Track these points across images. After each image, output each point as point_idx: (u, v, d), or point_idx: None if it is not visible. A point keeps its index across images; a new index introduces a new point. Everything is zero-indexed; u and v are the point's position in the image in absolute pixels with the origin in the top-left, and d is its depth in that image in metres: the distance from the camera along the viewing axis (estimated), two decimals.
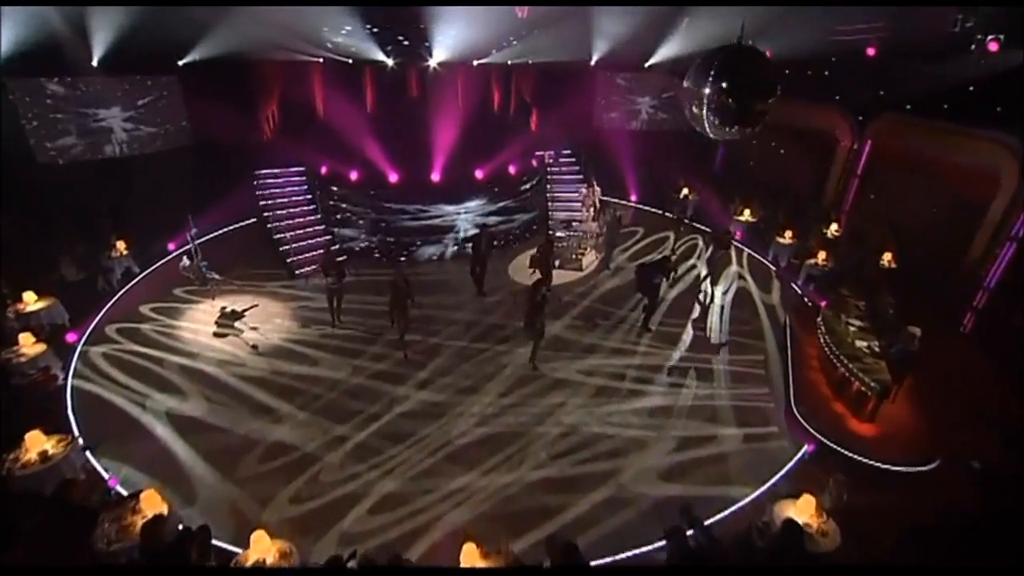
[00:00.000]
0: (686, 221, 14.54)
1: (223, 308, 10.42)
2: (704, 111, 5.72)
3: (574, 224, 14.16)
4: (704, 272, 12.61)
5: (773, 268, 13.20)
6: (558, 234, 14.24)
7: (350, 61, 13.57)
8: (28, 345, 8.24)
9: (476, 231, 11.48)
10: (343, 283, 9.90)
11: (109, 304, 10.68)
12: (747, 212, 14.89)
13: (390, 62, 13.29)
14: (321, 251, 12.49)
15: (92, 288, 10.99)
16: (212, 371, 8.94)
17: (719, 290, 11.53)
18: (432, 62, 12.91)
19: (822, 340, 8.79)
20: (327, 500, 6.67)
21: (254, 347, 9.54)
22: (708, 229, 14.28)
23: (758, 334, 10.46)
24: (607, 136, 17.77)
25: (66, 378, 8.59)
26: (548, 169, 15.78)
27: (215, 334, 9.74)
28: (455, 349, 9.70)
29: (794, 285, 12.29)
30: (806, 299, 11.60)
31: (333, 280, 9.77)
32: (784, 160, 15.80)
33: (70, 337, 9.50)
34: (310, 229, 13.08)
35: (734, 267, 13.09)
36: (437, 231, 13.17)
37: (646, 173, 17.87)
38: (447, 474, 7.08)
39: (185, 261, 11.09)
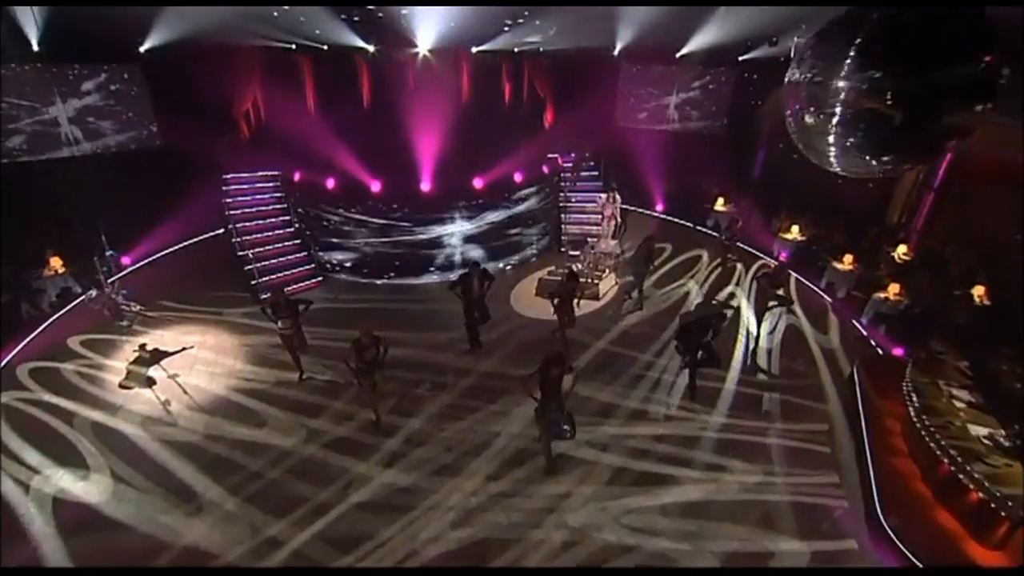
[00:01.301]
0: (727, 243, 12.07)
1: (142, 346, 7.98)
2: (830, 123, 3.35)
3: (589, 241, 12.10)
4: (744, 304, 10.58)
5: (829, 300, 11.01)
6: (570, 252, 12.24)
7: (325, 48, 11.66)
8: None
9: (464, 270, 8.96)
10: (299, 327, 7.93)
11: (30, 337, 8.97)
12: (795, 230, 12.70)
13: (371, 48, 11.33)
14: (286, 273, 10.77)
15: (15, 314, 9.28)
16: (132, 432, 7.16)
17: (764, 328, 9.44)
18: (422, 49, 10.86)
19: (912, 414, 6.66)
20: None
21: (166, 403, 7.64)
22: (768, 269, 11.96)
23: (817, 392, 8.34)
24: (630, 137, 15.65)
25: None
26: (561, 176, 13.72)
27: (122, 383, 7.73)
28: (437, 407, 7.78)
29: (858, 324, 10.12)
30: (876, 345, 9.44)
31: (285, 324, 7.82)
32: None
33: None
34: (280, 245, 11.23)
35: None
36: (425, 250, 11.21)
37: (675, 181, 15.73)
38: None
39: (92, 292, 9.24)
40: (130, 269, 11.28)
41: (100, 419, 7.38)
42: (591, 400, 8.01)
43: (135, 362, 7.55)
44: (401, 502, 6.26)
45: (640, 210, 15.46)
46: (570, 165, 13.88)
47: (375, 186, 10.69)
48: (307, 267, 11.16)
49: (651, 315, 10.24)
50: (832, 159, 3.58)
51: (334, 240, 11.11)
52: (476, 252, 11.56)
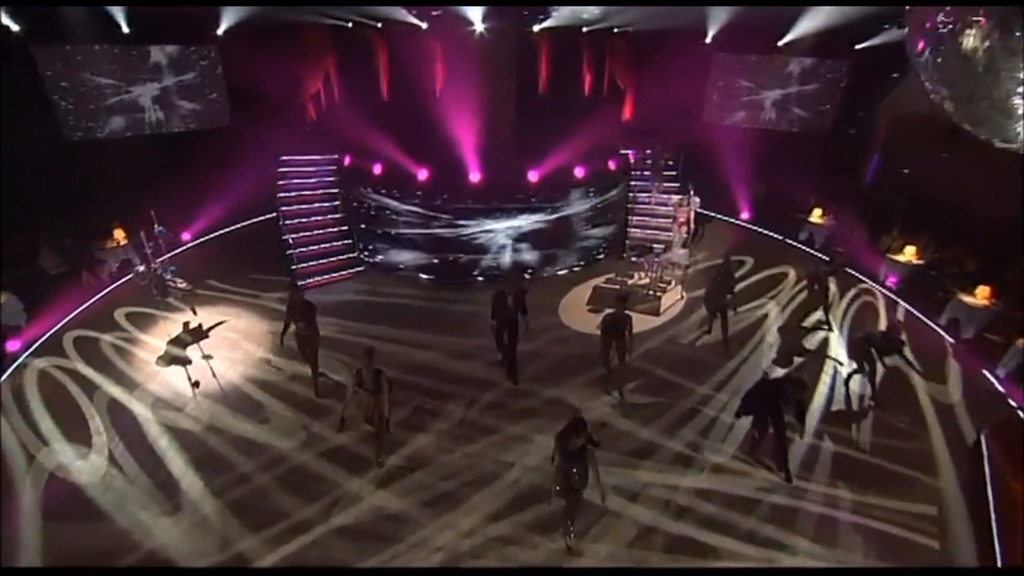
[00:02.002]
0: (829, 270, 9.29)
1: (186, 324, 8.27)
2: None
3: (655, 248, 10.70)
4: (835, 336, 8.82)
5: (950, 342, 8.89)
6: (632, 259, 10.92)
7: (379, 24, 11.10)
8: None
9: (501, 280, 7.72)
10: (314, 329, 7.36)
11: (83, 305, 9.24)
12: (910, 250, 10.50)
13: (423, 24, 10.62)
14: (326, 261, 10.44)
15: (75, 282, 9.64)
16: (140, 414, 6.98)
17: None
18: (478, 26, 9.99)
19: None
20: None
21: (196, 384, 7.38)
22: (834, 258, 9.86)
23: (925, 461, 6.54)
24: (716, 135, 13.90)
25: None
26: (632, 174, 12.39)
27: (159, 360, 7.69)
28: (450, 424, 6.94)
29: (990, 376, 8.01)
30: (1017, 407, 7.37)
31: (303, 325, 7.26)
32: (969, 174, 11.02)
33: (11, 345, 8.05)
34: (325, 231, 10.92)
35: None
36: (470, 246, 10.38)
37: (764, 186, 13.81)
38: None
39: (140, 267, 9.31)
40: (185, 247, 11.49)
41: (117, 395, 7.30)
42: (628, 436, 6.81)
43: (174, 341, 7.45)
44: (386, 532, 5.48)
45: (722, 217, 13.75)
46: (649, 162, 12.48)
47: (421, 174, 10.04)
48: (348, 256, 10.78)
49: (718, 340, 8.75)
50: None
51: (376, 230, 10.61)
52: (527, 253, 10.62)
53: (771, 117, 14.12)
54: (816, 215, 12.42)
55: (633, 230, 12.02)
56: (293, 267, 10.18)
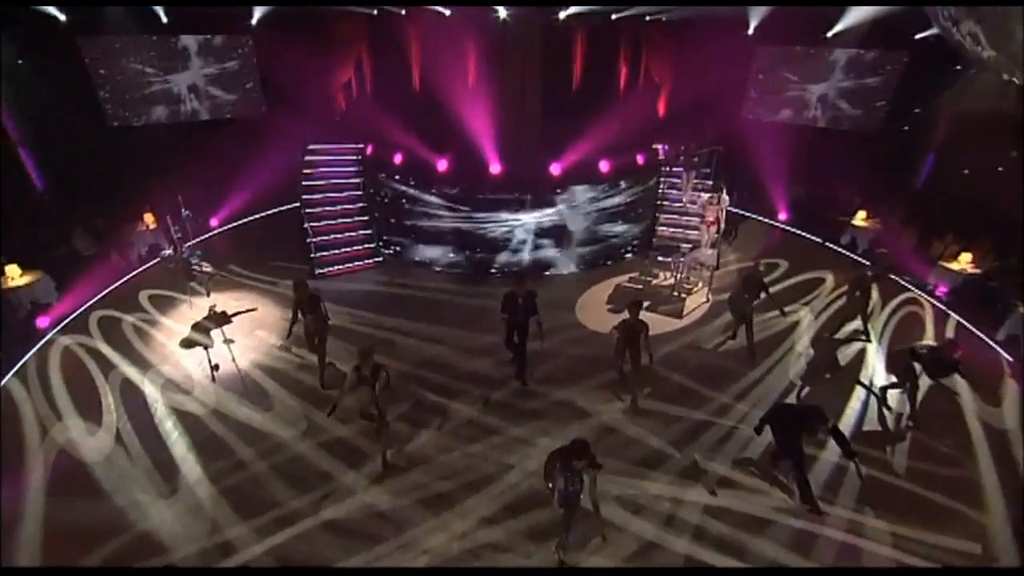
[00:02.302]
0: (872, 275, 8.45)
1: (212, 308, 8.48)
2: None
3: (682, 247, 10.20)
4: (874, 346, 8.20)
5: (1007, 360, 8.08)
6: (659, 258, 10.46)
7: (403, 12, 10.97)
8: None
9: (510, 288, 7.17)
10: (323, 323, 7.28)
11: (111, 287, 9.50)
12: (964, 258, 9.66)
13: (446, 12, 10.39)
14: (345, 250, 10.43)
15: (106, 263, 9.93)
16: (150, 395, 7.08)
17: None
18: (502, 12, 9.69)
19: None
20: None
21: (215, 367, 7.44)
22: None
23: (969, 489, 5.92)
24: (755, 132, 13.20)
25: (0, 375, 7.32)
26: (662, 169, 11.86)
27: (183, 342, 7.83)
28: (454, 423, 6.74)
29: None
30: None
31: (311, 319, 7.17)
32: None
33: (41, 322, 8.33)
34: (345, 221, 10.89)
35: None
36: (489, 240, 10.17)
37: (804, 186, 13.04)
38: None
39: (167, 251, 9.49)
40: (212, 233, 11.70)
41: (132, 375, 7.43)
42: (637, 444, 6.44)
43: (199, 324, 7.57)
44: (374, 530, 5.33)
45: (758, 218, 13.06)
46: (681, 159, 11.91)
47: (441, 164, 9.87)
48: (367, 246, 10.73)
49: (742, 346, 8.24)
50: None
51: (397, 221, 10.52)
52: (548, 249, 10.32)
53: (816, 113, 13.31)
54: (860, 217, 11.61)
55: (662, 228, 11.54)
56: (312, 256, 10.17)
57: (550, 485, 4.78)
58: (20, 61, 10.16)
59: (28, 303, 8.48)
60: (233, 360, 7.55)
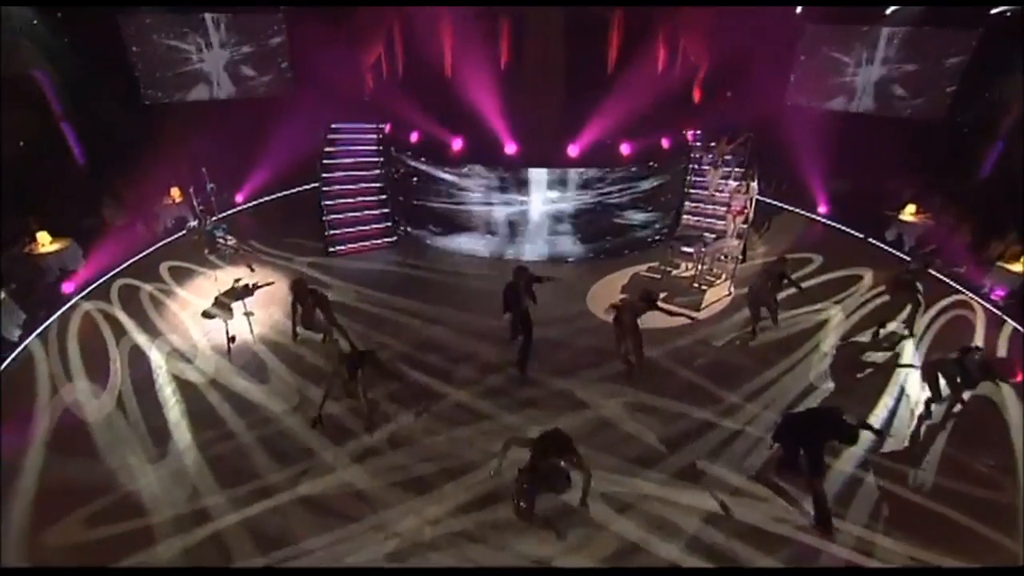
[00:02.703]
0: (915, 270, 7.88)
1: (236, 282, 8.67)
2: None
3: (705, 237, 9.64)
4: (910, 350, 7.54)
5: None
6: (682, 248, 9.91)
7: None
8: None
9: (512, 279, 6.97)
10: (317, 315, 7.27)
11: (135, 257, 9.79)
12: None
13: None
14: (361, 228, 10.41)
15: (132, 235, 10.26)
16: (154, 361, 7.23)
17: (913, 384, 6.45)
18: None
19: None
20: None
21: (232, 339, 7.54)
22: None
23: (1006, 514, 5.29)
24: (794, 117, 12.35)
25: (24, 336, 7.65)
26: (692, 156, 11.26)
27: (204, 313, 8.01)
28: (446, 404, 6.57)
29: None
30: None
31: (303, 315, 7.23)
32: None
33: (66, 287, 8.67)
34: (363, 199, 10.85)
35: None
36: (506, 222, 9.91)
37: (847, 177, 12.12)
38: None
39: (192, 223, 9.70)
40: (237, 209, 11.93)
41: (141, 342, 7.62)
42: (633, 441, 6.10)
43: (227, 293, 7.72)
44: (348, 509, 5.23)
45: (796, 210, 12.25)
46: (712, 144, 11.26)
47: (456, 144, 9.66)
48: (383, 225, 10.68)
49: (763, 343, 7.70)
50: None
51: (413, 201, 10.40)
52: (565, 233, 9.97)
53: (868, 99, 12.32)
54: (909, 212, 10.68)
55: (688, 217, 10.97)
56: (326, 233, 10.20)
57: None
58: (65, 40, 10.54)
59: (57, 269, 8.85)
60: (251, 332, 7.67)
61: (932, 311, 8.58)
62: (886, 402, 6.66)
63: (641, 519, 5.18)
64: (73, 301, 8.53)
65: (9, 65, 9.78)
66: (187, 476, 5.58)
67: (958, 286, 9.27)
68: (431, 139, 9.89)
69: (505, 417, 6.37)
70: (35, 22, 10.05)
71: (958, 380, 6.02)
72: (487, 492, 5.39)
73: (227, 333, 7.54)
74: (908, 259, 8.71)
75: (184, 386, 6.82)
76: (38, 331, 7.84)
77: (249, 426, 6.21)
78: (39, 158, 10.15)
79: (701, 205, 10.98)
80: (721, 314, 8.55)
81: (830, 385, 6.99)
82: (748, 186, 9.32)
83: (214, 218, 10.06)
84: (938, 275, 9.12)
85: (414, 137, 10.06)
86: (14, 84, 9.86)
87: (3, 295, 7.60)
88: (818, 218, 11.99)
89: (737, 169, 10.83)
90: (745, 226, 9.61)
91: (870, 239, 11.04)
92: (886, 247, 10.75)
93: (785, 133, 11.99)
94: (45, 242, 8.86)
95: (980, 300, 8.90)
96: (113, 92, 11.23)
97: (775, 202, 12.46)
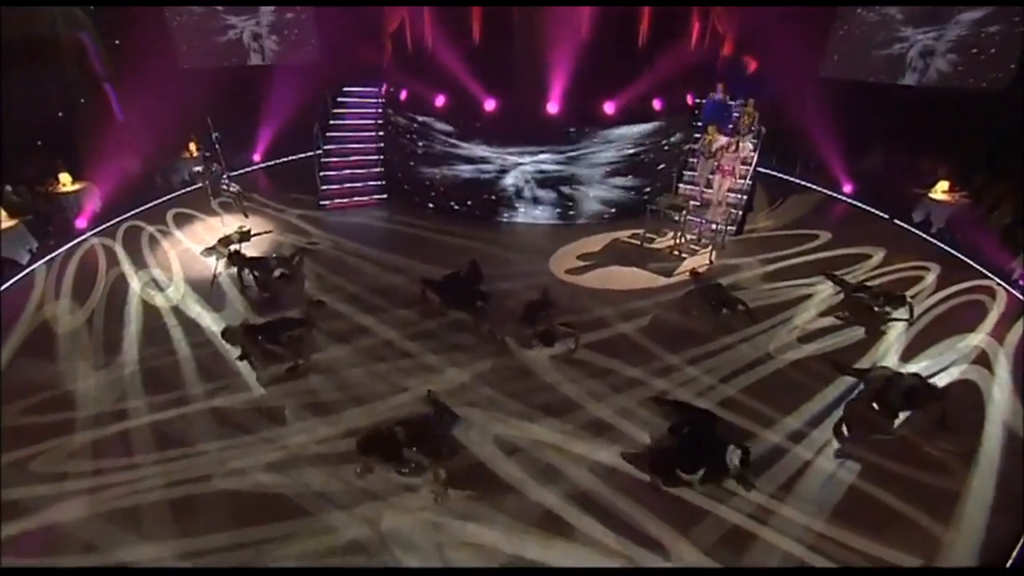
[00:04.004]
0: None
1: (240, 227, 9.07)
2: None
3: (690, 205, 9.05)
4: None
5: None
6: (674, 216, 9.34)
7: None
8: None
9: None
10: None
11: (148, 205, 10.57)
12: None
13: None
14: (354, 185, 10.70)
15: (150, 185, 11.11)
16: (132, 289, 7.77)
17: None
18: None
19: None
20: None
21: (217, 275, 8.02)
22: None
23: (943, 501, 4.65)
24: (823, 90, 11.32)
25: (32, 261, 8.50)
26: (695, 123, 10.61)
27: (204, 251, 8.61)
28: (374, 341, 6.64)
29: None
30: None
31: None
32: None
33: (79, 223, 9.54)
34: (363, 158, 11.11)
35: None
36: (487, 180, 9.84)
37: (878, 154, 11.01)
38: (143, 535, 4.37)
39: (198, 167, 10.33)
40: (251, 168, 12.59)
41: (127, 272, 8.24)
42: (547, 391, 5.91)
43: (224, 239, 8.34)
44: (248, 423, 5.43)
45: (819, 188, 11.29)
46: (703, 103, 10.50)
47: (439, 100, 9.68)
48: (376, 183, 10.90)
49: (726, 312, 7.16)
50: None
51: (406, 161, 10.53)
52: (547, 194, 9.75)
53: (916, 70, 11.07)
54: (940, 190, 9.53)
55: (685, 186, 10.36)
56: (321, 188, 10.55)
57: None
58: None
59: (76, 207, 9.74)
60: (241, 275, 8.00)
61: (944, 292, 7.65)
62: (847, 381, 5.98)
63: (526, 463, 5.00)
64: (83, 236, 9.36)
65: (63, 27, 10.86)
66: (121, 382, 6.00)
67: (985, 271, 8.20)
68: (429, 98, 9.91)
69: (427, 357, 6.36)
70: None
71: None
72: (382, 421, 5.37)
73: (215, 270, 8.00)
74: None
75: (148, 309, 7.32)
76: (46, 258, 8.67)
77: (191, 346, 6.58)
78: (78, 111, 11.19)
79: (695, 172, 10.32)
80: (685, 284, 8.02)
81: (788, 356, 6.40)
82: (738, 144, 8.65)
83: (218, 165, 10.62)
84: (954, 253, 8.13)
85: (404, 96, 10.17)
86: (64, 45, 10.93)
87: (15, 222, 8.46)
88: (842, 197, 10.96)
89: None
90: (737, 193, 8.96)
91: (895, 220, 9.98)
92: (912, 228, 9.68)
93: (814, 107, 11.03)
94: (67, 182, 9.78)
95: (1007, 286, 7.82)
96: (152, 56, 12.13)
97: (800, 180, 11.56)
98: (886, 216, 10.13)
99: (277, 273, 7.69)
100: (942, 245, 9.05)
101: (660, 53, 9.92)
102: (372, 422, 5.36)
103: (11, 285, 7.97)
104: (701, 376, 6.07)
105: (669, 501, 4.64)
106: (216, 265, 8.07)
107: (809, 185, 11.49)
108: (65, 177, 9.79)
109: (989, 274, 8.13)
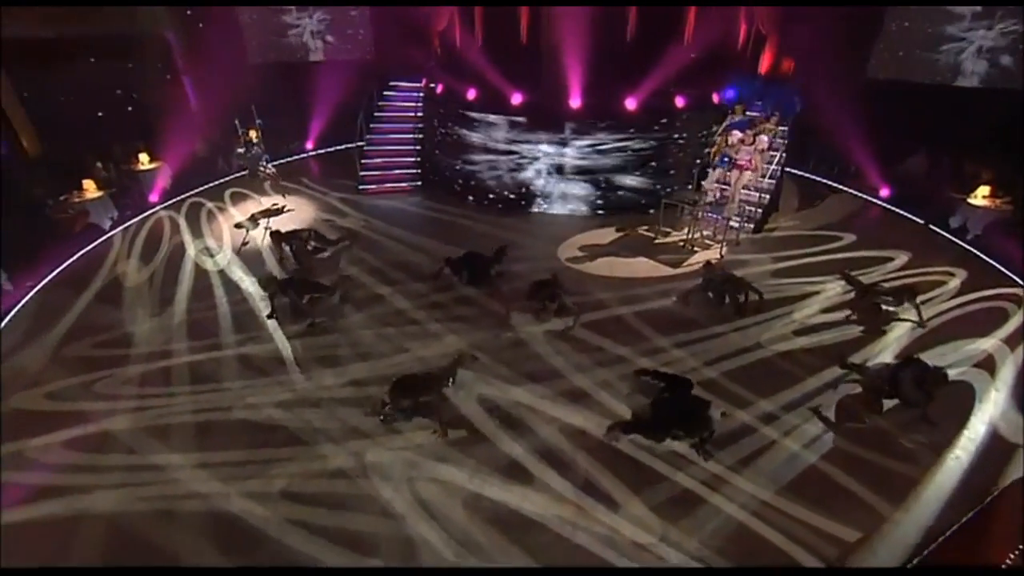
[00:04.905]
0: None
1: (272, 204, 10.27)
2: None
3: (704, 200, 9.17)
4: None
5: None
6: (688, 213, 9.51)
7: None
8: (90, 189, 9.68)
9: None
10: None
11: (210, 184, 11.83)
12: None
13: None
14: (391, 172, 11.50)
15: (213, 167, 12.38)
16: (188, 255, 8.85)
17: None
18: None
19: None
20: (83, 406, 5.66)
21: (245, 243, 9.04)
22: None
23: (899, 484, 4.71)
24: (865, 92, 11.05)
25: (113, 227, 9.79)
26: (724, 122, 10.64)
27: (236, 224, 9.60)
28: (388, 310, 7.30)
29: None
30: None
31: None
32: None
33: (152, 198, 10.84)
34: (402, 147, 11.91)
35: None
36: (509, 169, 10.37)
37: (920, 158, 10.65)
38: (175, 448, 5.19)
39: (241, 148, 11.42)
40: (305, 154, 13.70)
41: (187, 240, 9.36)
42: (536, 360, 6.35)
43: (258, 214, 9.40)
44: (268, 368, 6.21)
45: (854, 192, 11.06)
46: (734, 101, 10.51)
47: (471, 94, 10.29)
48: (412, 171, 11.65)
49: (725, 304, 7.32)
50: None
51: (442, 151, 11.21)
52: (574, 186, 10.14)
53: (968, 72, 10.64)
54: (981, 195, 9.15)
55: (707, 183, 10.40)
56: (360, 174, 11.43)
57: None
58: (188, 12, 12.93)
59: (150, 183, 11.07)
60: (264, 239, 9.09)
61: (967, 297, 7.46)
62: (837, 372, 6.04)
63: (502, 419, 5.45)
64: (154, 209, 10.64)
65: (153, 27, 12.33)
66: (169, 329, 6.95)
67: (1018, 279, 7.88)
68: (463, 92, 10.54)
69: (431, 325, 6.94)
70: None
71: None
72: (383, 374, 5.93)
73: (243, 239, 9.00)
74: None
75: (199, 272, 8.34)
76: (123, 226, 9.96)
77: (229, 303, 7.49)
78: (159, 99, 12.62)
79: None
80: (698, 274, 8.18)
81: (779, 347, 6.52)
82: (754, 138, 8.69)
83: (258, 149, 11.68)
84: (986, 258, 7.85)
85: (441, 90, 10.86)
86: (152, 42, 12.39)
87: (102, 194, 9.78)
88: (879, 202, 10.67)
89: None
90: (758, 191, 9.00)
91: (930, 225, 9.65)
92: (946, 234, 9.35)
93: (854, 109, 10.78)
94: (144, 162, 11.13)
95: None
96: (223, 51, 13.47)
97: (836, 184, 11.36)
98: (921, 221, 9.81)
99: (311, 246, 8.52)
100: (976, 251, 8.72)
101: (689, 51, 10.09)
102: (375, 374, 6.00)
103: (94, 246, 9.25)
104: (687, 358, 6.30)
105: (629, 464, 4.97)
106: (245, 235, 9.04)
107: (846, 189, 11.26)
108: (143, 157, 11.13)
109: (1021, 282, 7.81)
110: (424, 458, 5.02)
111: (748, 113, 9.76)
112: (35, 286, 7.89)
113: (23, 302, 7.55)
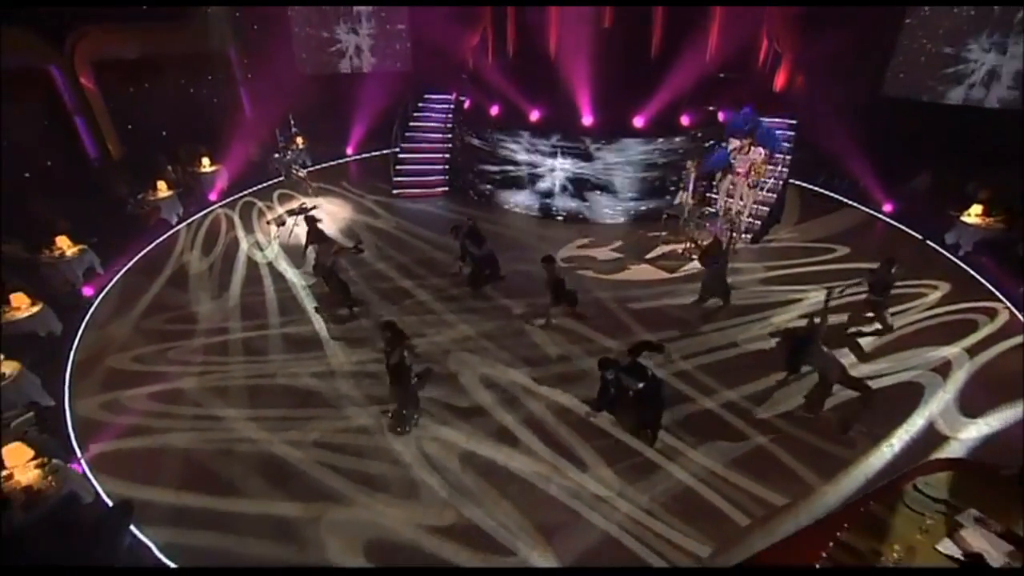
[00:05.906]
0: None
1: (301, 204, 11.57)
2: None
3: (707, 211, 9.89)
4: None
5: None
6: (691, 224, 10.24)
7: None
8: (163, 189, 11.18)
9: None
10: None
11: (260, 185, 13.24)
12: None
13: None
14: (421, 178, 12.62)
15: (264, 170, 13.82)
16: (241, 247, 10.18)
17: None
18: None
19: None
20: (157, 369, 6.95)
21: (277, 236, 10.43)
22: None
23: (827, 465, 5.44)
24: (871, 108, 11.54)
25: (180, 222, 11.25)
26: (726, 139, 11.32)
27: (269, 221, 10.95)
28: (411, 302, 8.38)
29: None
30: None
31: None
32: None
33: (212, 196, 12.30)
34: (432, 155, 13.04)
35: None
36: (524, 176, 11.37)
37: (926, 174, 11.07)
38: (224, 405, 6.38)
39: (277, 154, 12.76)
40: (346, 159, 15.02)
41: (240, 235, 10.71)
42: (533, 347, 7.30)
43: (289, 212, 10.76)
44: (307, 345, 7.42)
45: (858, 207, 11.54)
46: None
47: (494, 109, 11.32)
48: (441, 177, 12.77)
49: (720, 307, 8.06)
50: None
51: (469, 160, 12.24)
52: (580, 196, 11.04)
53: (980, 90, 11.00)
54: (973, 213, 9.56)
55: (715, 196, 11.11)
56: (393, 178, 12.62)
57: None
58: (255, 27, 14.43)
59: (210, 184, 12.54)
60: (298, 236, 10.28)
61: (943, 308, 8.00)
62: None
63: (498, 395, 6.43)
64: (213, 207, 12.08)
65: (217, 45, 13.87)
66: (225, 309, 8.24)
67: (999, 294, 8.34)
68: (488, 105, 11.60)
69: (447, 315, 7.98)
70: (237, 14, 14.01)
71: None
72: None
73: (274, 233, 10.46)
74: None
75: (251, 262, 9.64)
76: (187, 221, 11.41)
77: (276, 290, 8.73)
78: (219, 109, 14.15)
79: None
80: (694, 278, 8.92)
81: (753, 347, 7.25)
82: (749, 147, 9.33)
83: (291, 153, 12.99)
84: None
85: (469, 103, 11.94)
86: (217, 57, 13.93)
87: (171, 193, 11.26)
88: (882, 217, 11.13)
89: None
90: (750, 202, 9.67)
91: (927, 241, 10.10)
92: (941, 250, 9.79)
93: (860, 126, 11.27)
94: (206, 164, 12.60)
95: (1015, 310, 7.96)
96: (275, 64, 14.90)
97: (842, 198, 11.85)
98: (919, 237, 10.25)
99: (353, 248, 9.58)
100: (964, 267, 9.17)
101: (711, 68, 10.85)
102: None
103: (164, 238, 10.69)
104: (667, 352, 7.11)
105: (603, 437, 5.85)
106: (273, 231, 10.46)
107: (850, 203, 11.72)
108: (206, 160, 12.61)
109: (1001, 297, 8.25)
110: (429, 422, 6.05)
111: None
112: (120, 271, 9.32)
113: (111, 283, 8.98)
